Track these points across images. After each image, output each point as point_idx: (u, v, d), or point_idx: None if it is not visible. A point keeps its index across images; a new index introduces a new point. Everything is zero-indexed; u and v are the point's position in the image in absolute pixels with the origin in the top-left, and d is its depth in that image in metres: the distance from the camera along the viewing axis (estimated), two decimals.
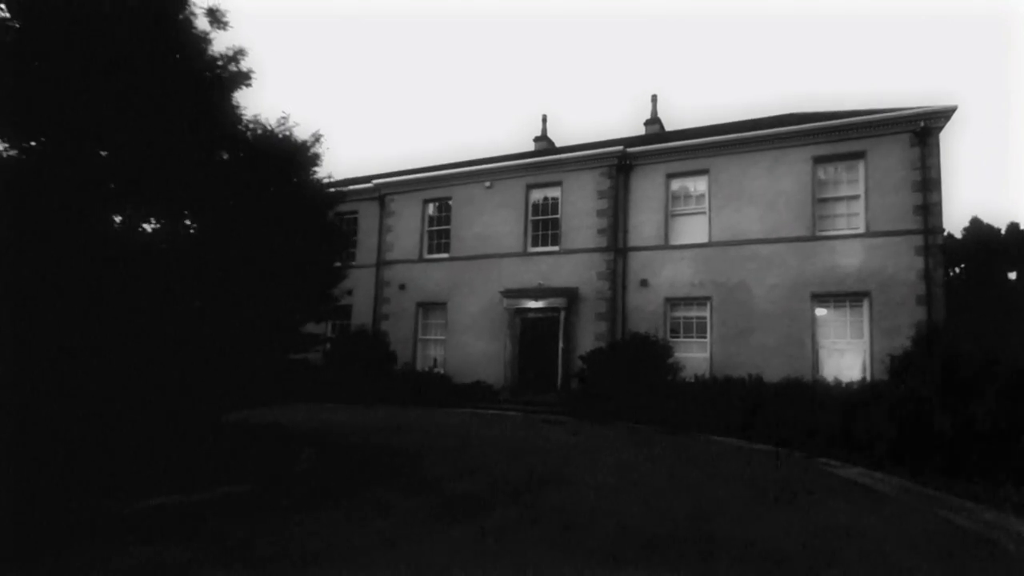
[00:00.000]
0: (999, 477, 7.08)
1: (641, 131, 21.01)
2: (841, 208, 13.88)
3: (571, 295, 15.95)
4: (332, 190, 8.89)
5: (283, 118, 7.86)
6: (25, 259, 5.34)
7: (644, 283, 15.39)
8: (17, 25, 5.69)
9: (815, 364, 13.37)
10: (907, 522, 5.36)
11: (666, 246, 15.36)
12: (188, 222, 7.31)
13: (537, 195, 17.29)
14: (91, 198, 6.07)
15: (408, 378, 16.30)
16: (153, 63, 6.19)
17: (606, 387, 13.09)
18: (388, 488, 6.10)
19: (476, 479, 6.61)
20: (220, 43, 8.06)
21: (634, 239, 15.77)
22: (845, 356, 13.37)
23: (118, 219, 6.70)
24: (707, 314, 14.70)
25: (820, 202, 14.02)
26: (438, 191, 18.68)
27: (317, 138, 8.17)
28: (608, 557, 4.17)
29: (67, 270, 5.56)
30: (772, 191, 14.30)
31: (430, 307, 18.45)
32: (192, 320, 6.66)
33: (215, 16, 6.94)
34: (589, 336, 15.57)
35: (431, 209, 18.96)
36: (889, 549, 4.51)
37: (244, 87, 7.36)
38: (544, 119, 22.38)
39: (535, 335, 16.45)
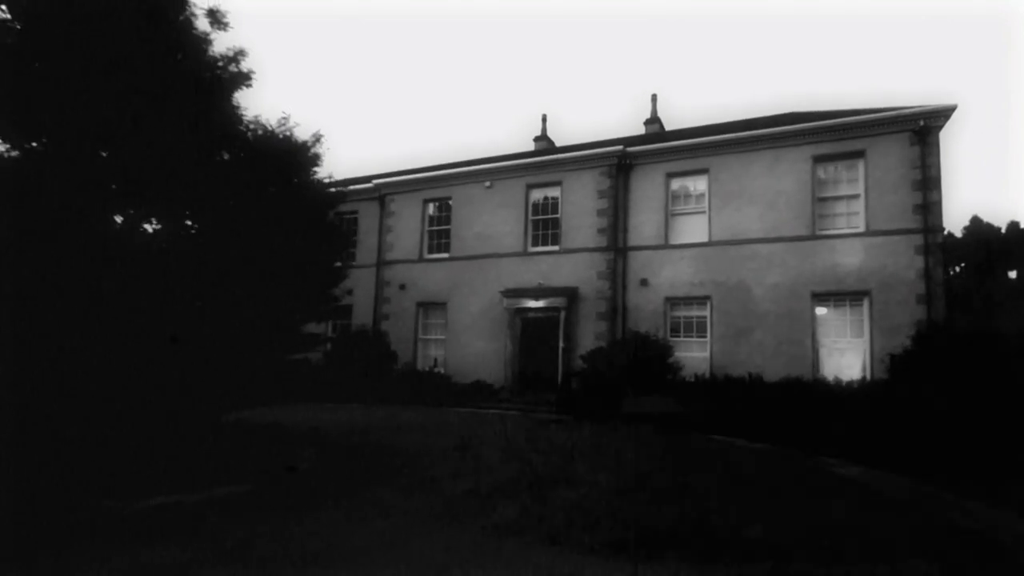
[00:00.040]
0: (998, 476, 7.08)
1: (641, 131, 21.00)
2: (841, 207, 13.88)
3: (571, 295, 15.95)
4: (332, 190, 8.90)
5: (283, 118, 7.87)
6: (25, 259, 5.34)
7: (644, 282, 15.39)
8: (18, 26, 5.70)
9: (815, 363, 13.37)
10: (908, 521, 5.36)
11: (666, 245, 15.36)
12: (189, 222, 7.32)
13: (537, 195, 17.29)
14: (91, 198, 6.08)
15: (408, 378, 16.30)
16: (153, 64, 6.20)
17: (606, 386, 13.08)
18: (388, 488, 6.10)
19: (476, 478, 6.61)
20: (220, 44, 8.06)
21: (634, 239, 15.77)
22: (845, 355, 13.37)
23: (119, 219, 6.71)
24: (707, 313, 14.70)
25: (820, 201, 14.02)
26: (438, 191, 18.68)
27: (317, 138, 8.18)
28: (609, 555, 4.17)
29: (67, 270, 5.56)
30: (772, 190, 14.30)
31: (430, 307, 18.45)
32: (192, 320, 6.67)
33: (215, 17, 6.96)
34: (589, 335, 15.57)
35: (431, 209, 18.96)
36: (889, 548, 4.51)
37: (244, 87, 7.38)
38: (544, 119, 22.38)
39: (535, 335, 16.45)
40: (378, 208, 19.59)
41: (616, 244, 15.81)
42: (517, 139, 78.62)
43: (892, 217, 13.10)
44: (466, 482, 6.43)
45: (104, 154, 6.23)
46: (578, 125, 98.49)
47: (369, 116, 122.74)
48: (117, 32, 5.88)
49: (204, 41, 6.96)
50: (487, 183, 17.75)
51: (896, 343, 12.05)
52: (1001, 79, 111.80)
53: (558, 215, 16.82)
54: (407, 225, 19.02)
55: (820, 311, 13.71)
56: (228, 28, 7.06)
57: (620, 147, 16.07)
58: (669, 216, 15.54)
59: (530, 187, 17.27)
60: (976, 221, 21.70)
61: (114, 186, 6.36)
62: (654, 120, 20.65)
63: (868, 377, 12.47)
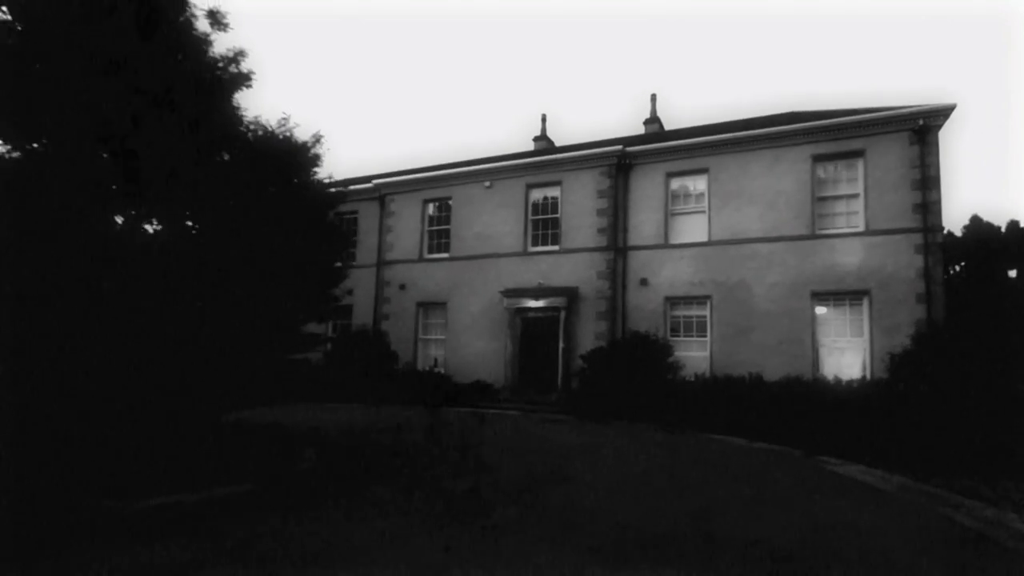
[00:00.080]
0: (998, 475, 7.09)
1: (641, 130, 21.01)
2: (840, 207, 13.88)
3: (571, 294, 15.95)
4: (332, 190, 8.89)
5: (284, 119, 7.86)
6: (25, 259, 5.34)
7: (644, 282, 15.40)
8: (19, 27, 5.70)
9: (815, 362, 13.37)
10: (907, 520, 5.37)
11: (666, 245, 15.36)
12: (189, 223, 7.32)
13: (537, 195, 17.29)
14: (91, 199, 6.08)
15: (409, 378, 16.30)
16: (153, 64, 6.20)
17: (606, 386, 13.10)
18: (388, 487, 6.10)
19: (477, 478, 6.62)
20: (220, 44, 8.09)
21: (634, 238, 15.78)
22: (845, 354, 13.37)
23: (119, 220, 6.71)
24: (707, 313, 14.70)
25: (819, 200, 14.02)
26: (438, 191, 18.68)
27: (317, 139, 8.18)
28: (609, 556, 4.18)
29: (67, 270, 5.56)
30: (772, 190, 14.31)
31: (430, 307, 18.45)
32: (192, 320, 6.67)
33: (215, 18, 6.96)
34: (589, 335, 15.58)
35: (431, 209, 18.96)
36: (890, 547, 4.51)
37: (244, 88, 7.37)
38: (544, 119, 22.39)
39: (535, 334, 16.46)
40: (378, 208, 19.60)
41: (616, 244, 15.81)
42: (517, 139, 78.65)
43: (892, 216, 13.10)
44: (466, 481, 6.44)
45: (104, 154, 6.24)
46: (578, 125, 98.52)
47: (369, 116, 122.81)
48: (117, 32, 5.88)
49: (204, 42, 6.96)
50: (487, 183, 17.76)
51: (896, 342, 12.07)
52: (1001, 79, 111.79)
53: (558, 215, 16.83)
54: (407, 225, 19.02)
55: (820, 310, 13.72)
56: (228, 29, 7.05)
57: (620, 147, 16.07)
58: (669, 216, 15.54)
59: (530, 187, 17.28)
60: (976, 220, 21.69)
61: (114, 186, 6.36)
62: (654, 120, 20.66)
63: (868, 376, 12.47)
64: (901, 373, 10.48)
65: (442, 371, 17.24)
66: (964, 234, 21.73)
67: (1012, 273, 20.72)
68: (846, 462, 8.30)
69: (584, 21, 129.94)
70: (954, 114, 12.91)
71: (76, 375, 5.55)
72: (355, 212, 19.73)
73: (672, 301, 15.17)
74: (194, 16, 6.81)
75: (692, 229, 15.28)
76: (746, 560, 4.13)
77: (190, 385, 6.47)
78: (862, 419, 9.32)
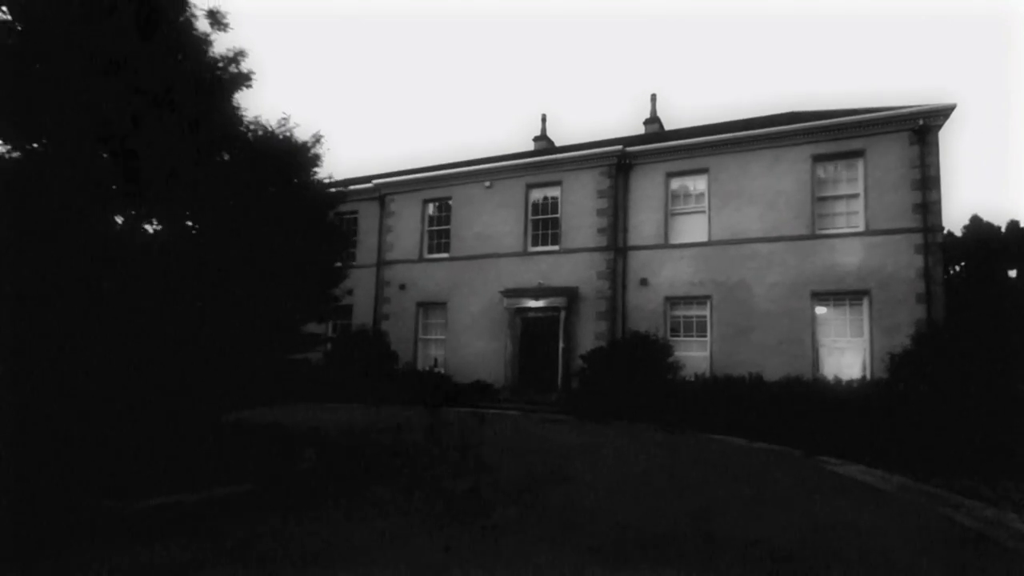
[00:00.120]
0: (998, 474, 7.10)
1: (641, 130, 21.01)
2: (840, 206, 13.89)
3: (571, 294, 15.95)
4: (332, 190, 8.89)
5: (284, 119, 7.87)
6: (25, 259, 5.35)
7: (644, 282, 15.40)
8: (19, 27, 5.70)
9: (815, 362, 13.37)
10: (907, 520, 5.37)
11: (666, 245, 15.36)
12: (189, 223, 7.32)
13: (537, 195, 17.29)
14: (91, 199, 6.08)
15: (409, 378, 16.30)
16: (153, 64, 6.20)
17: (606, 386, 13.10)
18: (388, 488, 6.10)
19: (477, 478, 6.62)
20: (220, 44, 8.09)
21: (634, 238, 15.78)
22: (845, 354, 13.37)
23: (119, 220, 6.71)
24: (707, 313, 14.70)
25: (819, 200, 14.03)
26: (438, 191, 18.69)
27: (317, 139, 8.18)
28: (609, 556, 4.18)
29: (67, 270, 5.56)
30: (772, 190, 14.31)
31: (430, 307, 18.46)
32: (192, 320, 6.67)
33: (215, 18, 6.96)
34: (589, 335, 15.58)
35: (431, 209, 18.97)
36: (889, 546, 4.52)
37: (244, 88, 7.37)
38: (544, 119, 22.39)
39: (535, 334, 16.46)
40: (378, 208, 19.60)
41: (616, 244, 15.81)
42: (517, 139, 78.66)
43: (892, 216, 13.10)
44: (466, 481, 6.44)
45: (104, 154, 6.24)
46: (578, 125, 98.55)
47: (369, 116, 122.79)
48: (117, 32, 5.88)
49: (204, 42, 6.96)
50: (487, 183, 17.76)
51: (896, 342, 12.07)
52: (1001, 79, 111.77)
53: (558, 215, 16.83)
54: (407, 225, 19.02)
55: (820, 310, 13.72)
56: (228, 29, 7.06)
57: (620, 147, 16.07)
58: (669, 216, 15.55)
59: (530, 187, 17.28)
60: (976, 220, 21.69)
61: (114, 186, 6.36)
62: (653, 120, 20.67)
63: (868, 376, 12.47)
64: (901, 373, 10.48)
65: (442, 371, 17.24)
66: (964, 234, 21.73)
67: (1012, 273, 20.73)
68: (846, 462, 8.30)
69: (584, 21, 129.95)
70: (954, 114, 12.92)
71: (76, 375, 5.55)
72: (355, 212, 19.73)
73: (672, 301, 15.17)
74: (194, 16, 6.81)
75: (692, 229, 15.28)
76: (746, 560, 4.13)
77: (190, 385, 6.47)
78: (862, 419, 9.32)
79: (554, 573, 3.84)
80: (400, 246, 19.02)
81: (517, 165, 17.53)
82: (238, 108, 7.50)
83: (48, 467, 5.24)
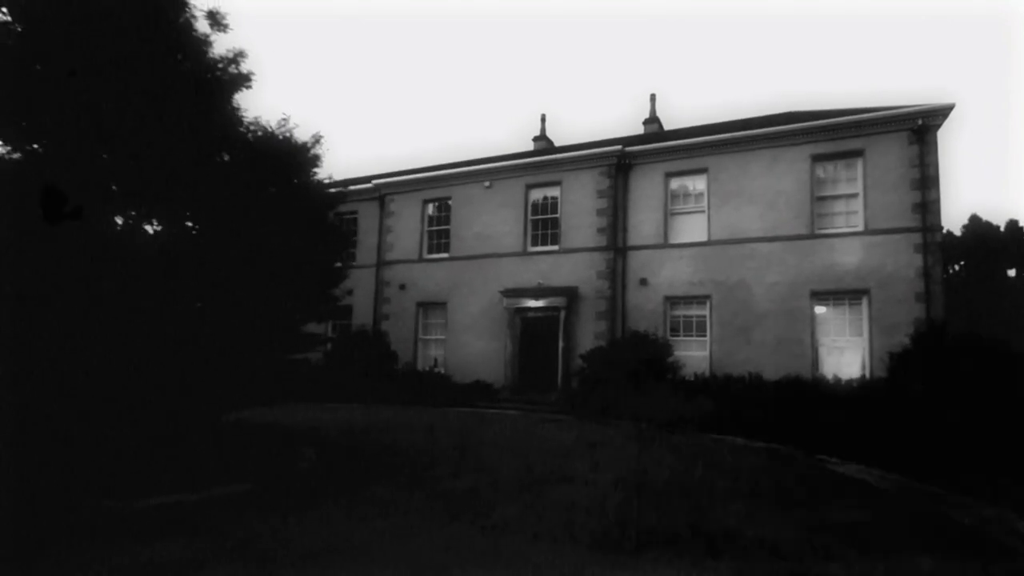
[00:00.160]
0: (997, 473, 7.10)
1: (640, 130, 21.02)
2: (840, 206, 13.90)
3: (571, 294, 15.96)
4: (332, 191, 8.91)
5: (283, 120, 7.89)
6: (26, 259, 5.35)
7: (644, 282, 15.41)
8: (19, 28, 5.71)
9: (815, 362, 13.39)
10: (906, 518, 5.38)
11: (665, 245, 15.38)
12: (189, 223, 7.33)
13: (536, 195, 17.30)
14: (92, 199, 6.09)
15: (408, 378, 16.31)
16: (153, 65, 6.21)
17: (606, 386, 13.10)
18: (388, 487, 6.11)
19: (476, 477, 6.62)
20: (220, 45, 8.10)
21: (633, 238, 15.79)
22: (844, 354, 13.38)
23: (119, 220, 6.72)
24: (707, 312, 14.71)
25: (819, 200, 14.04)
26: (438, 191, 18.70)
27: (317, 139, 8.20)
28: (609, 555, 4.19)
29: (67, 270, 5.57)
30: (771, 189, 14.32)
31: (430, 307, 18.46)
32: (192, 320, 6.68)
33: (215, 19, 6.97)
34: (589, 335, 15.59)
35: (431, 209, 18.98)
36: (889, 545, 4.52)
37: (244, 89, 7.39)
38: (543, 119, 22.40)
39: (535, 334, 16.47)
40: (378, 208, 19.61)
41: (615, 244, 15.82)
42: (516, 139, 78.67)
43: (891, 216, 13.11)
44: (466, 481, 6.45)
45: (104, 155, 6.25)
46: (577, 125, 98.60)
47: (369, 116, 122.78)
48: (117, 33, 5.89)
49: (204, 43, 6.97)
50: (487, 183, 17.77)
51: (895, 341, 12.07)
52: (1001, 79, 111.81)
53: (557, 215, 16.84)
54: (407, 225, 19.03)
55: (819, 310, 13.73)
56: (228, 30, 7.07)
57: (619, 147, 16.08)
58: (668, 215, 15.56)
59: (529, 187, 17.29)
60: (975, 220, 21.71)
61: (115, 187, 6.37)
62: (653, 120, 20.67)
63: (867, 375, 12.48)
64: (900, 372, 10.49)
65: (442, 371, 17.25)
66: (963, 233, 21.75)
67: (1011, 272, 20.74)
68: (845, 461, 8.32)
69: (584, 21, 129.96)
70: (953, 114, 12.96)
71: (76, 375, 5.56)
72: (355, 212, 19.74)
73: (672, 301, 15.19)
74: (194, 17, 6.82)
75: (691, 229, 15.29)
76: (745, 558, 4.14)
77: (190, 385, 6.48)
78: (861, 418, 9.33)
79: (554, 572, 3.85)
80: (400, 246, 19.03)
81: (517, 165, 17.54)
82: (238, 109, 7.51)
83: (48, 467, 5.25)
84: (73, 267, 5.61)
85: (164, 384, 6.23)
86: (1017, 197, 66.70)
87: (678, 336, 14.98)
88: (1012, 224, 21.14)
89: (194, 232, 7.28)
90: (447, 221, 18.55)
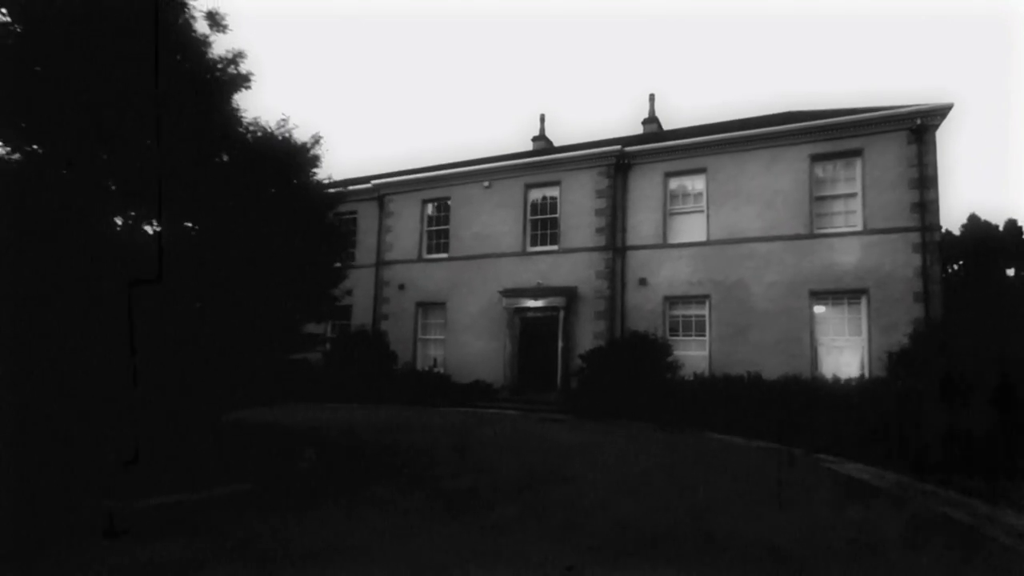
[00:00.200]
0: (995, 473, 7.12)
1: (639, 130, 21.03)
2: (838, 206, 13.91)
3: (570, 294, 15.97)
4: (332, 191, 8.91)
5: (283, 120, 7.89)
6: (26, 259, 5.36)
7: (643, 282, 15.42)
8: (18, 29, 5.72)
9: (814, 361, 13.40)
10: (904, 517, 5.39)
11: (664, 245, 15.39)
12: (189, 224, 7.33)
13: (536, 195, 17.31)
14: (91, 200, 6.09)
15: (408, 378, 16.32)
16: (153, 66, 6.21)
17: (605, 385, 13.12)
18: (388, 487, 6.12)
19: (476, 477, 6.64)
20: (219, 45, 8.10)
21: (632, 238, 15.80)
22: (843, 353, 13.40)
23: (119, 221, 6.72)
24: (706, 312, 14.72)
25: (817, 200, 14.05)
26: (437, 191, 18.70)
27: (316, 140, 8.20)
28: (609, 554, 4.20)
29: (67, 271, 5.58)
30: (770, 189, 14.33)
31: (429, 307, 18.47)
32: (192, 320, 6.68)
33: (214, 19, 6.98)
34: (588, 335, 15.60)
35: (430, 209, 18.98)
36: (887, 544, 4.54)
37: (244, 89, 7.39)
38: (542, 119, 22.40)
39: (534, 334, 16.47)
40: (377, 208, 19.61)
41: (615, 244, 15.83)
42: (516, 139, 78.70)
43: (889, 215, 13.13)
44: (466, 481, 6.46)
45: (104, 155, 6.25)
46: (576, 125, 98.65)
47: (369, 116, 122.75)
48: (117, 33, 5.89)
49: (203, 43, 6.97)
50: (486, 183, 17.77)
51: (894, 341, 12.10)
52: (1001, 79, 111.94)
53: (557, 215, 16.84)
54: (406, 225, 19.04)
55: (818, 309, 13.74)
56: (227, 30, 7.07)
57: (618, 147, 16.09)
58: (667, 215, 15.57)
59: (529, 187, 17.29)
60: (974, 219, 21.72)
61: (114, 188, 6.38)
62: (652, 120, 20.68)
63: (866, 375, 12.49)
64: (899, 371, 10.51)
65: (441, 371, 17.26)
66: (962, 233, 21.76)
67: (1010, 272, 20.77)
68: (844, 460, 8.33)
69: (583, 21, 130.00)
70: (952, 113, 12.95)
71: (76, 375, 5.56)
72: (354, 212, 19.73)
73: (671, 300, 15.20)
74: (193, 18, 6.82)
75: (690, 229, 15.30)
76: (745, 558, 4.16)
77: (190, 385, 6.49)
78: (860, 418, 9.35)
79: (554, 572, 3.86)
80: (399, 246, 19.03)
81: (516, 165, 17.55)
82: (237, 109, 7.52)
83: (48, 467, 5.25)
84: (73, 267, 5.62)
85: (164, 384, 6.24)
86: (1016, 196, 66.80)
87: (677, 336, 14.99)
88: (1011, 223, 21.16)
89: (194, 232, 7.28)
90: (446, 221, 18.55)
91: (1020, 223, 21.19)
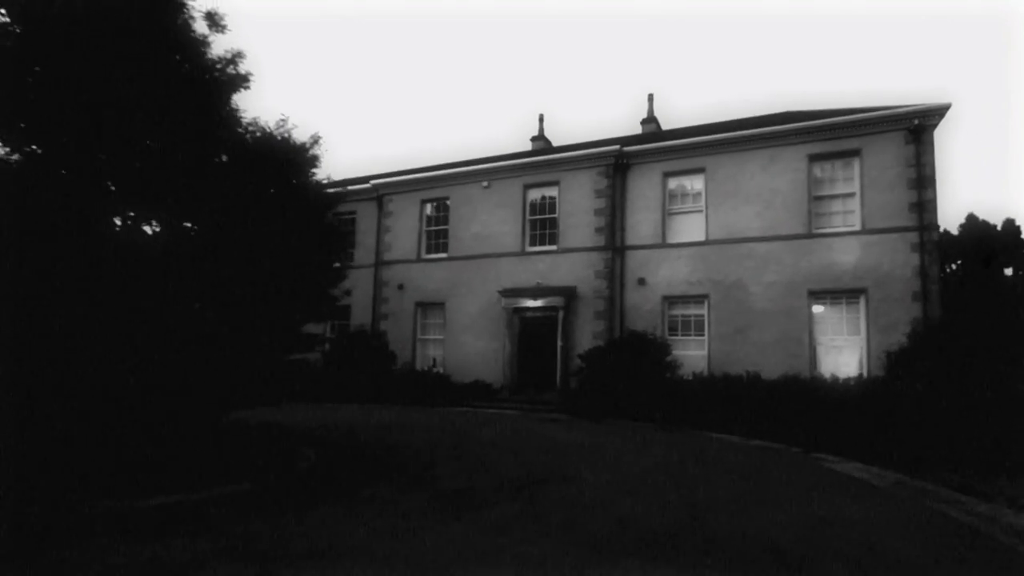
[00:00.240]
0: (993, 471, 7.15)
1: (638, 130, 21.06)
2: (837, 206, 13.94)
3: (569, 294, 15.99)
4: (331, 191, 8.91)
5: (282, 120, 7.89)
6: (26, 260, 5.36)
7: (642, 281, 15.44)
8: (18, 30, 5.72)
9: (812, 361, 13.43)
10: (902, 515, 5.41)
11: (663, 244, 15.41)
12: (188, 224, 7.34)
13: (535, 195, 17.32)
14: (91, 200, 6.10)
15: (407, 378, 16.33)
16: (152, 66, 6.21)
17: (605, 385, 13.13)
18: (388, 486, 6.13)
19: (475, 477, 6.64)
20: (219, 46, 8.11)
21: (631, 238, 15.82)
22: (842, 353, 13.43)
23: (119, 221, 6.73)
24: (705, 312, 14.75)
25: (816, 200, 14.08)
26: (436, 191, 18.71)
27: (316, 140, 8.20)
28: (608, 553, 4.21)
29: (67, 271, 5.58)
30: (768, 189, 14.36)
31: (429, 307, 18.48)
32: (192, 321, 6.69)
33: (213, 19, 6.97)
34: (587, 335, 15.62)
35: (429, 209, 18.99)
36: (885, 543, 4.55)
37: (243, 89, 7.38)
38: (541, 119, 22.42)
39: (533, 334, 16.49)
40: (376, 208, 19.61)
41: (614, 243, 15.85)
42: (515, 139, 78.72)
43: (888, 215, 13.16)
44: (465, 480, 6.47)
45: (104, 155, 6.25)
46: (575, 125, 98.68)
47: (368, 116, 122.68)
48: (116, 34, 5.90)
49: (202, 43, 6.97)
50: (485, 183, 17.78)
51: (893, 340, 12.13)
52: (1000, 79, 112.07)
53: (555, 215, 16.86)
54: (405, 225, 19.04)
55: (817, 309, 13.77)
56: (226, 30, 7.07)
57: (617, 147, 16.11)
58: (666, 215, 15.59)
59: (527, 187, 17.31)
60: (972, 218, 21.77)
61: (114, 188, 6.38)
62: (651, 119, 20.71)
63: (865, 374, 12.52)
64: (897, 371, 10.54)
65: (441, 371, 17.27)
66: (960, 232, 21.81)
67: (1008, 271, 20.82)
68: (843, 459, 8.35)
69: (583, 21, 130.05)
70: (950, 113, 13.02)
71: (76, 375, 5.56)
72: (353, 212, 19.74)
73: (670, 300, 15.22)
74: (192, 18, 6.82)
75: (689, 228, 15.33)
76: (745, 557, 4.17)
77: (190, 385, 6.49)
78: (859, 417, 9.37)
79: (554, 571, 3.87)
80: (398, 246, 19.04)
81: (515, 165, 17.56)
82: (236, 109, 7.51)
83: (48, 467, 5.25)
84: (73, 267, 5.62)
85: (164, 384, 6.24)
86: (1014, 196, 66.94)
87: (676, 335, 15.01)
88: (1009, 223, 21.22)
89: (193, 233, 7.28)
90: (445, 221, 18.56)
91: (1018, 222, 21.25)
